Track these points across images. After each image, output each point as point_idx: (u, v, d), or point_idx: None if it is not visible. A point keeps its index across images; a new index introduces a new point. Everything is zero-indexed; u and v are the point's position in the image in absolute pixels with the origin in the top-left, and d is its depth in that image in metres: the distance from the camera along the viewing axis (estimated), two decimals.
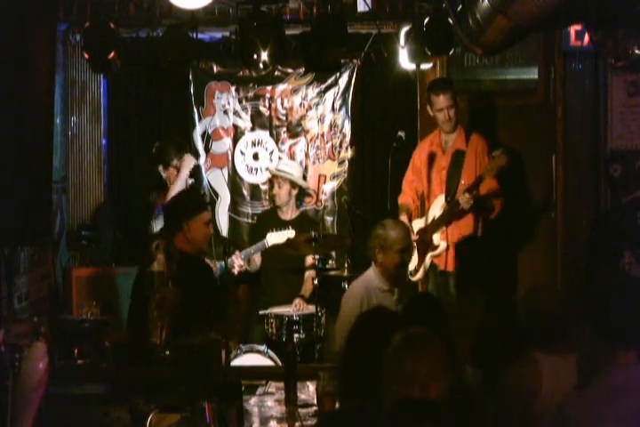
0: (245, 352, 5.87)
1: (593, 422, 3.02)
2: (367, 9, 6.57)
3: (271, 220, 6.87)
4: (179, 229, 5.19)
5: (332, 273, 6.63)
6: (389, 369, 3.04)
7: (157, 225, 6.52)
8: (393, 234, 5.22)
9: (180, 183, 6.54)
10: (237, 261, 6.56)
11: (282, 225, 6.70)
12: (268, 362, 5.87)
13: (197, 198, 5.66)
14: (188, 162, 6.66)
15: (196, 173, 7.02)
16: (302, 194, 7.12)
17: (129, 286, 5.30)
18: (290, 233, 6.56)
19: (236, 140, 7.37)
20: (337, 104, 7.27)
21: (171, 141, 6.84)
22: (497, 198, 6.23)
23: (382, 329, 3.35)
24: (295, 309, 6.47)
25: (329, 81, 7.26)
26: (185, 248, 5.15)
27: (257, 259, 6.79)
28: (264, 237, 6.65)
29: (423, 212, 6.41)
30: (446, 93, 6.25)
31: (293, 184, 6.83)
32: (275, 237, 6.59)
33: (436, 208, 6.29)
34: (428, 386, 2.97)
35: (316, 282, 6.35)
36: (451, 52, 6.25)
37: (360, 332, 3.51)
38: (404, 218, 6.30)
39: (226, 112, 7.35)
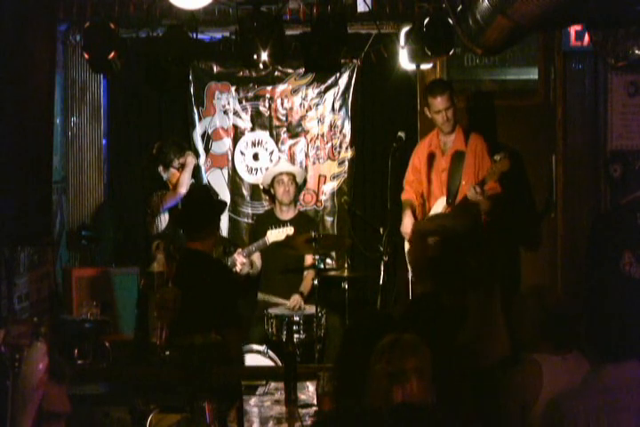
0: (245, 352, 5.87)
1: (586, 418, 3.03)
2: (367, 9, 6.57)
3: (271, 220, 6.88)
4: (210, 235, 5.19)
5: (332, 273, 6.64)
6: (373, 367, 3.07)
7: (162, 223, 6.53)
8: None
9: (187, 182, 6.55)
10: (240, 258, 6.59)
11: (281, 225, 6.73)
12: (267, 362, 5.87)
13: (218, 203, 5.70)
14: (191, 160, 6.68)
15: (196, 173, 7.03)
16: (299, 192, 7.15)
17: (129, 286, 5.30)
18: (289, 230, 6.63)
19: (236, 141, 7.37)
20: (337, 104, 7.27)
21: (170, 142, 6.84)
22: (499, 201, 6.21)
23: (379, 330, 3.35)
24: (292, 303, 6.48)
25: (329, 81, 7.26)
26: (205, 250, 5.16)
27: (257, 261, 6.81)
28: (264, 236, 6.69)
29: (424, 212, 6.40)
30: (443, 95, 6.24)
31: (296, 182, 6.90)
32: (274, 235, 6.63)
33: (438, 209, 6.28)
34: (410, 384, 3.01)
35: (315, 282, 6.36)
36: (451, 53, 6.24)
37: (356, 332, 3.51)
38: (408, 213, 6.30)
39: (226, 112, 7.35)
